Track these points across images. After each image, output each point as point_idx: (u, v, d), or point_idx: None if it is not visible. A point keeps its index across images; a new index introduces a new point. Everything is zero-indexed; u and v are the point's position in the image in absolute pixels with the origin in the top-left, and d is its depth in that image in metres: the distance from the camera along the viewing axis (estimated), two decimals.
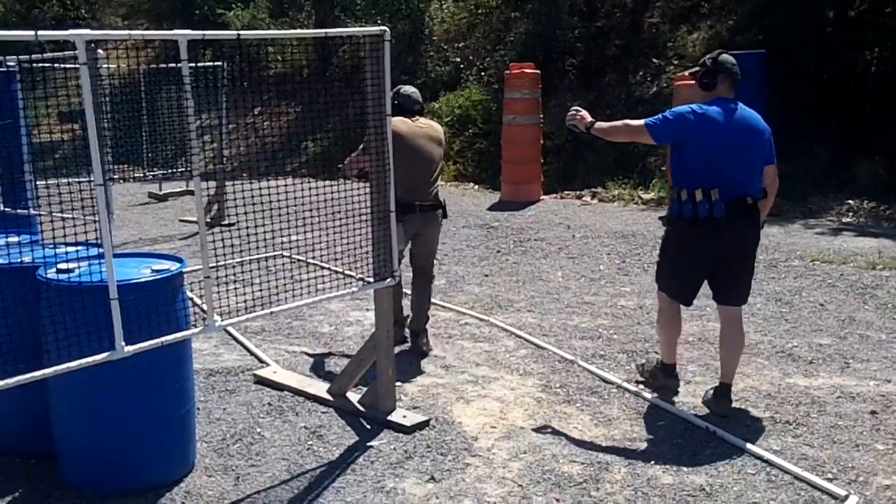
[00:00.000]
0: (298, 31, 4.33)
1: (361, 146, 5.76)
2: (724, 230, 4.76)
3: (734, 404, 5.01)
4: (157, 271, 4.13)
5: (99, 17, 23.05)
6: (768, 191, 4.97)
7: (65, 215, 4.67)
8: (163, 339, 3.85)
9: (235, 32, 4.01)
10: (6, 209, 7.10)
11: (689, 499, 3.97)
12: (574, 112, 5.14)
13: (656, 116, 4.88)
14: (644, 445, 4.53)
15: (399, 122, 5.63)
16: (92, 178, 3.64)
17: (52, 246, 4.76)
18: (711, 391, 5.06)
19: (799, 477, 4.16)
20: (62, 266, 4.15)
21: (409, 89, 6.03)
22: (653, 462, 4.33)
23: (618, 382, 5.38)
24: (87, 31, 3.52)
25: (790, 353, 5.89)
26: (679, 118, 4.80)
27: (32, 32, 3.39)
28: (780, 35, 12.10)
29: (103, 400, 4.02)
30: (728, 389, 5.01)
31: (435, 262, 6.27)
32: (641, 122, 4.90)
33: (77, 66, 3.48)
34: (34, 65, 7.20)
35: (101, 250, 4.56)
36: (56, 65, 6.84)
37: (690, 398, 5.15)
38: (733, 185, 4.74)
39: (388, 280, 4.74)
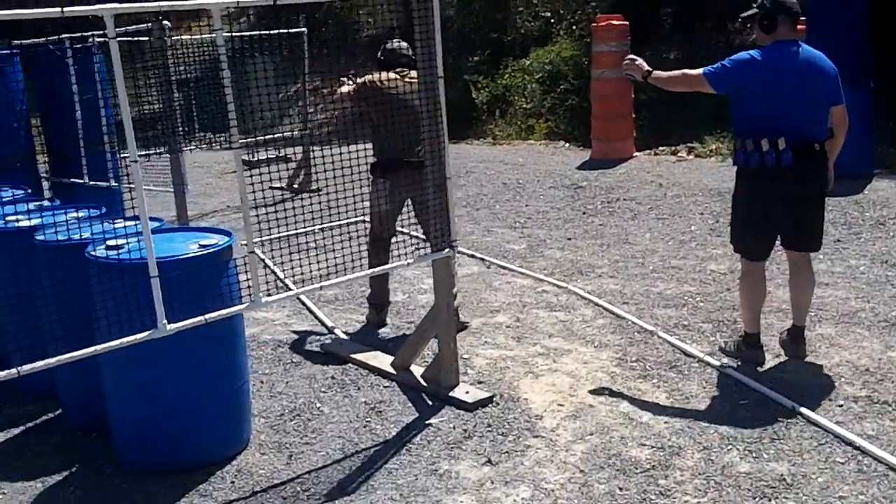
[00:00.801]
0: None
1: (353, 83, 5.57)
2: (791, 178, 4.60)
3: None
4: (204, 246, 4.00)
5: None
6: (837, 132, 4.79)
7: (145, 188, 4.58)
8: (206, 316, 3.72)
9: None
10: (88, 182, 7.19)
11: (766, 490, 3.63)
12: (630, 61, 5.01)
13: (715, 65, 4.71)
14: (722, 427, 4.19)
15: (384, 77, 5.48)
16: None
17: (110, 222, 4.71)
18: (785, 333, 5.04)
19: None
20: (111, 242, 4.07)
21: (395, 43, 5.77)
22: (730, 447, 4.00)
23: (699, 356, 5.04)
24: (114, 4, 3.36)
25: (895, 323, 5.42)
26: (738, 65, 4.64)
27: (58, 9, 3.25)
28: None
29: (151, 376, 3.95)
30: (801, 331, 4.97)
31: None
32: (700, 70, 4.74)
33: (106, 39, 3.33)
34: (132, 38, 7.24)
35: (157, 224, 4.52)
36: (133, 38, 6.84)
37: (778, 373, 4.78)
38: (799, 131, 4.58)
39: (447, 250, 4.51)
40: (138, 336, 3.58)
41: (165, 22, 6.26)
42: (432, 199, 4.44)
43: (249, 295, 3.87)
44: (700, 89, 4.81)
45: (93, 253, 3.99)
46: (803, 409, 4.29)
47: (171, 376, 3.94)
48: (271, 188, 11.24)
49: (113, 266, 3.79)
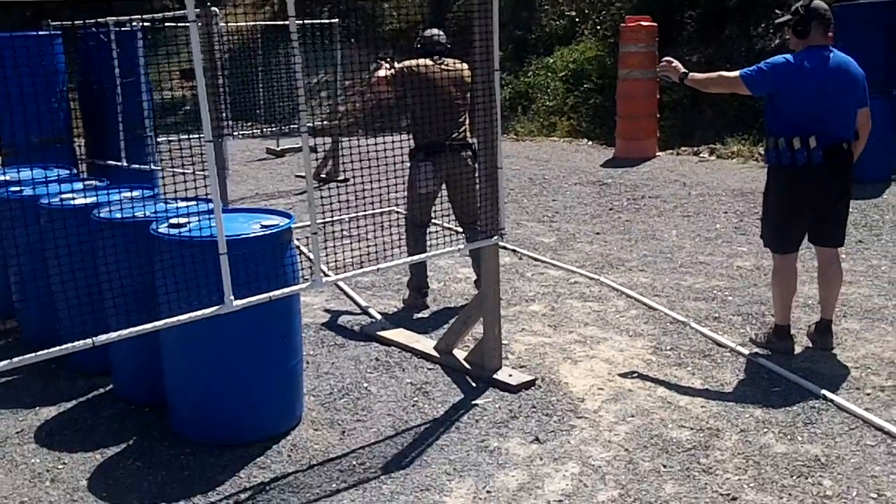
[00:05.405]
0: None
1: (390, 68, 5.71)
2: (822, 176, 4.84)
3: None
4: (267, 227, 4.18)
5: None
6: (861, 133, 5.04)
7: (183, 171, 4.77)
8: (271, 293, 3.89)
9: None
10: (129, 164, 7.37)
11: (803, 469, 3.81)
12: (666, 62, 5.22)
13: (752, 67, 4.95)
14: (757, 412, 4.37)
15: (420, 63, 5.76)
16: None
17: (166, 201, 4.89)
18: (813, 326, 5.23)
19: None
20: (174, 221, 4.24)
21: (432, 31, 6.02)
22: (765, 430, 4.18)
23: (731, 346, 5.22)
24: None
25: None
26: (774, 68, 4.86)
27: None
28: None
29: (213, 352, 4.11)
30: (829, 324, 5.17)
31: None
32: (736, 73, 4.98)
33: (184, 24, 3.51)
34: (157, 24, 7.40)
35: (212, 205, 4.68)
36: (177, 24, 7.01)
37: (808, 364, 4.95)
38: (829, 132, 4.81)
39: (495, 238, 4.68)
40: (206, 311, 3.75)
41: (214, 8, 6.41)
42: (483, 188, 4.61)
43: (311, 274, 4.04)
44: (736, 91, 5.04)
45: (159, 230, 4.16)
46: (833, 396, 4.47)
47: (234, 352, 4.11)
48: (297, 177, 11.47)
49: (184, 244, 3.96)
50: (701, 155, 11.44)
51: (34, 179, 5.32)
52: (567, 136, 13.38)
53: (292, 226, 4.31)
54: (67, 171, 6.16)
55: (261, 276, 3.94)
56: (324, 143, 11.01)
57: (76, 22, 7.57)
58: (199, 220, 4.17)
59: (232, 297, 3.75)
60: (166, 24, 6.90)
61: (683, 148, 11.83)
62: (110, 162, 7.40)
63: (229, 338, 4.05)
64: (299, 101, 3.90)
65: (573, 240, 7.78)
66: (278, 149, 13.44)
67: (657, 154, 11.51)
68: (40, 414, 4.64)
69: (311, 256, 6.72)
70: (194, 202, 4.46)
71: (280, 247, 4.14)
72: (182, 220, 4.24)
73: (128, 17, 7.27)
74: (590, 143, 12.92)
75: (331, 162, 10.81)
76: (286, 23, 3.81)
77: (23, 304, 5.53)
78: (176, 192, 4.41)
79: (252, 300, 3.83)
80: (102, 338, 3.54)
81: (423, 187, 5.75)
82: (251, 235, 4.05)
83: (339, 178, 9.98)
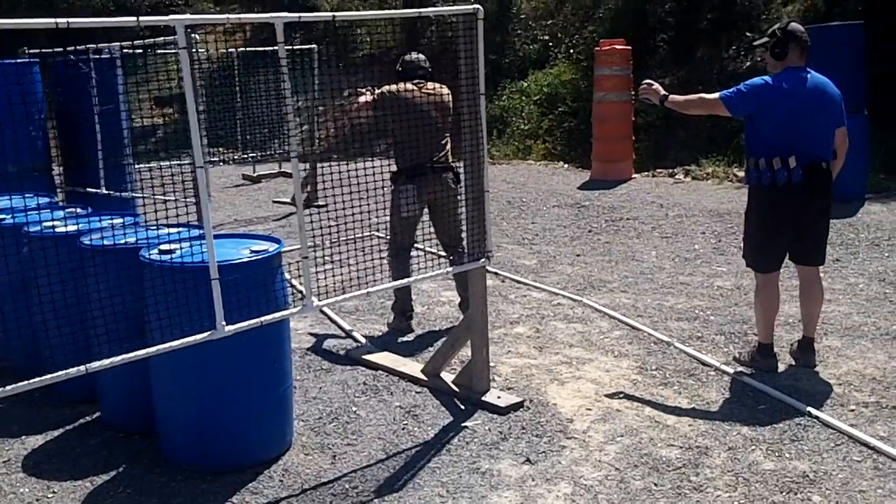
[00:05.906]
0: (392, 11, 4.44)
1: (371, 93, 5.73)
2: (802, 195, 4.92)
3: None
4: (256, 252, 4.19)
5: (192, 4, 23.42)
6: (839, 152, 5.14)
7: (164, 197, 4.79)
8: (262, 318, 3.90)
9: (331, 14, 4.03)
10: (109, 192, 7.37)
11: (791, 486, 3.86)
12: (647, 85, 5.30)
13: (731, 89, 5.04)
14: (744, 430, 4.42)
15: (402, 88, 5.80)
16: (187, 161, 3.72)
17: (153, 228, 4.89)
18: (796, 344, 5.32)
19: None
20: (164, 247, 4.25)
21: (413, 56, 6.08)
22: (753, 447, 4.23)
23: (716, 365, 5.27)
24: (187, 15, 3.58)
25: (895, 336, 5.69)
26: (753, 90, 4.96)
27: (134, 18, 3.46)
28: (880, 4, 11.62)
29: (204, 377, 4.11)
30: (811, 342, 5.25)
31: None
32: (716, 95, 5.07)
33: (173, 51, 3.54)
34: (133, 51, 7.42)
35: (200, 231, 4.70)
36: (155, 51, 7.03)
37: (792, 381, 5.01)
38: (808, 152, 4.90)
39: (482, 260, 4.72)
40: (197, 337, 3.75)
41: (195, 35, 6.42)
42: (470, 211, 4.65)
43: (302, 299, 4.06)
44: (716, 112, 5.13)
45: (149, 256, 4.16)
46: (819, 413, 4.54)
47: (225, 377, 4.11)
48: (274, 202, 11.46)
49: (175, 270, 3.97)
50: (676, 176, 11.56)
51: (16, 208, 5.30)
52: (543, 160, 13.48)
53: (281, 250, 4.34)
54: (47, 199, 6.15)
55: (252, 301, 3.95)
56: (303, 169, 11.02)
57: (54, 49, 7.58)
58: (189, 246, 4.18)
59: (223, 323, 3.76)
60: (147, 50, 6.92)
61: (658, 169, 11.95)
62: (90, 189, 7.40)
63: (220, 363, 4.05)
64: (289, 126, 3.93)
65: (554, 262, 7.83)
66: (255, 175, 13.44)
67: (633, 176, 11.63)
68: (27, 443, 4.61)
69: (296, 282, 6.75)
70: (184, 228, 4.48)
71: (270, 272, 4.16)
72: (172, 246, 4.25)
73: (118, 45, 7.28)
74: (566, 165, 13.02)
75: (308, 187, 10.81)
76: (270, 49, 3.84)
77: (10, 333, 5.48)
78: (167, 217, 4.42)
79: (243, 325, 3.84)
80: (95, 365, 3.54)
81: (405, 211, 5.79)
82: (244, 260, 4.06)
83: (317, 204, 9.98)
